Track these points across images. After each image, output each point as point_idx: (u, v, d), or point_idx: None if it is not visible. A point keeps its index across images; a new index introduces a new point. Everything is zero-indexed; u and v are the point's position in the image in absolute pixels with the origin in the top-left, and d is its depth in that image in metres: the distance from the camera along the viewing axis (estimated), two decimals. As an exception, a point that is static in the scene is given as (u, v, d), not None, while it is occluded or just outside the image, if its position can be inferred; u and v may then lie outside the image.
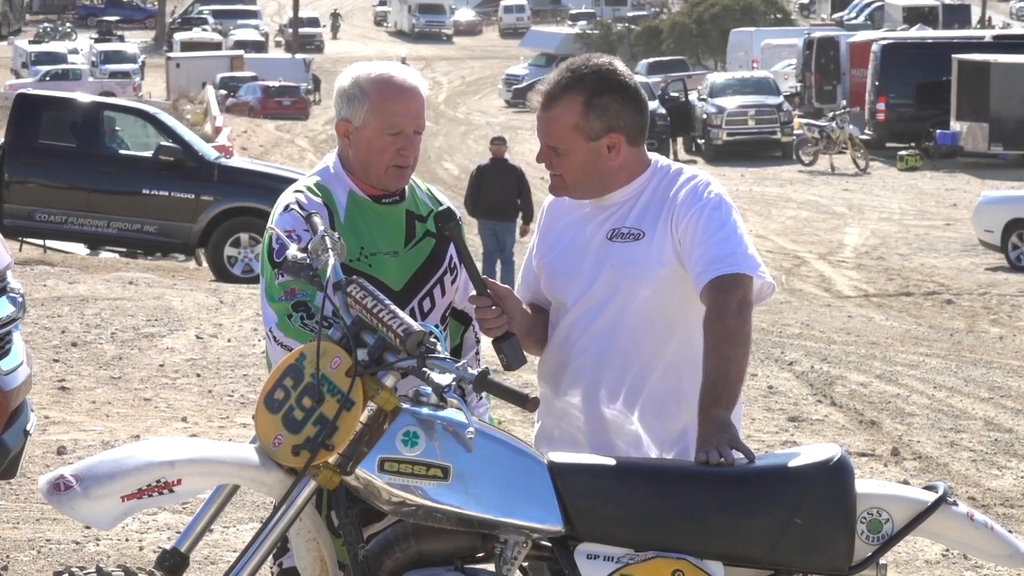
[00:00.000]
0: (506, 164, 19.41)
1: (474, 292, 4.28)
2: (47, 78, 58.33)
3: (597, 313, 4.27)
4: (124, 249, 20.50)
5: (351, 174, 4.43)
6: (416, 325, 3.81)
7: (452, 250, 4.50)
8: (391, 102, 4.34)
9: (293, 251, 4.04)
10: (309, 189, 4.40)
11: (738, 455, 3.97)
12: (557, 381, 4.36)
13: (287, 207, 4.35)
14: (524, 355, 4.26)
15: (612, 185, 4.31)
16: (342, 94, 4.41)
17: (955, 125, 37.71)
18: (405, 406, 3.84)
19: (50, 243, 20.85)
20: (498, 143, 19.88)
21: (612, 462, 4.00)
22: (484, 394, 4.50)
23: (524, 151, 42.50)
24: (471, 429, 3.77)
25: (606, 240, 4.29)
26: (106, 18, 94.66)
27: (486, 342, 4.63)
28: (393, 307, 3.87)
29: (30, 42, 75.15)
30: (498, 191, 18.94)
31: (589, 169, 4.27)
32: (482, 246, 19.47)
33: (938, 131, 37.76)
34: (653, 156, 4.38)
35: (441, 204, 4.57)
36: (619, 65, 4.31)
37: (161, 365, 11.57)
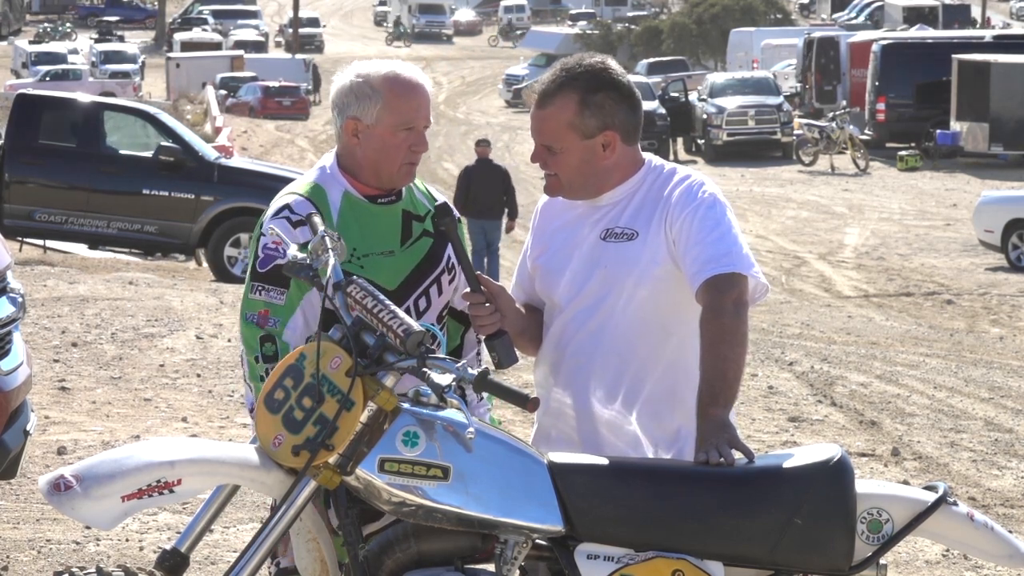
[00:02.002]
0: (492, 164, 20.14)
1: (468, 289, 4.30)
2: (47, 78, 58.32)
3: (591, 313, 4.27)
4: (127, 249, 20.53)
5: (348, 174, 4.43)
6: (416, 325, 3.81)
7: (450, 250, 4.50)
8: (404, 99, 4.36)
9: (293, 251, 4.05)
10: (303, 192, 4.40)
11: (738, 455, 3.97)
12: (552, 381, 4.35)
13: (278, 212, 4.36)
14: (516, 354, 4.27)
15: (607, 184, 4.30)
16: (348, 92, 4.40)
17: (955, 125, 37.70)
18: (405, 406, 3.84)
19: (50, 243, 20.84)
20: (483, 144, 20.63)
21: (612, 462, 4.00)
22: (485, 395, 4.50)
23: (524, 151, 42.46)
24: (471, 429, 3.77)
25: (599, 240, 4.29)
26: (106, 18, 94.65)
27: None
28: (393, 307, 3.87)
29: (30, 42, 75.14)
30: (486, 191, 19.54)
31: (584, 168, 4.27)
32: (470, 243, 19.61)
33: (938, 131, 37.75)
34: (647, 156, 4.38)
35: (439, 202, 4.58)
36: (612, 64, 4.31)
37: (161, 365, 11.57)
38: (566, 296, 4.32)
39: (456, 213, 4.47)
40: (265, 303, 4.33)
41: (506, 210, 19.89)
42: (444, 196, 4.64)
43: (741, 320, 4.10)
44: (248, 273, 4.39)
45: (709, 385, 4.06)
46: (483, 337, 4.32)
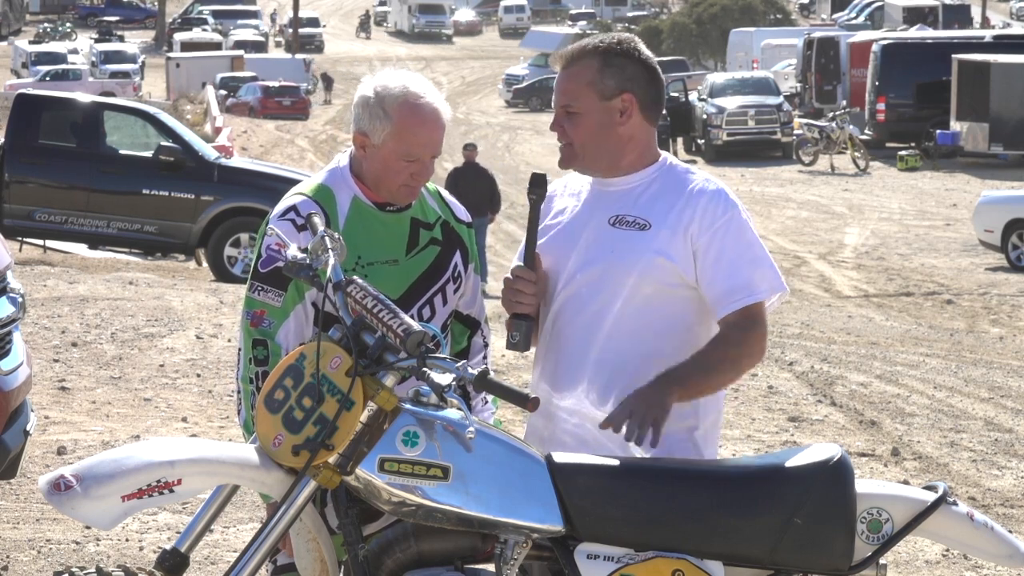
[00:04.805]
0: (478, 168, 21.46)
1: (520, 263, 4.25)
2: (47, 78, 58.36)
3: (588, 299, 4.22)
4: (127, 249, 20.55)
5: (359, 180, 4.40)
6: (416, 325, 3.81)
7: (457, 258, 4.47)
8: (413, 132, 4.29)
9: (293, 251, 4.04)
10: (311, 194, 4.39)
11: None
12: (548, 385, 4.31)
13: (284, 213, 4.34)
14: (531, 343, 4.26)
15: (621, 160, 4.26)
16: (364, 106, 4.33)
17: (955, 125, 37.71)
18: (405, 406, 3.83)
19: (50, 243, 20.85)
20: (470, 149, 22.05)
21: (612, 462, 4.00)
22: (490, 398, 4.49)
23: (524, 151, 42.47)
24: (471, 429, 3.77)
25: (608, 225, 4.25)
26: (106, 18, 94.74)
27: (492, 346, 4.63)
28: (393, 307, 3.87)
29: (30, 42, 75.19)
30: (473, 192, 20.53)
31: (600, 134, 4.23)
32: None
33: (938, 131, 37.76)
34: (664, 153, 4.36)
35: (450, 207, 4.56)
36: (638, 41, 4.33)
37: (161, 365, 11.57)
38: (564, 277, 4.28)
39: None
40: (262, 303, 4.32)
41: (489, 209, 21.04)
42: (456, 201, 4.62)
43: (756, 355, 4.19)
44: (251, 272, 4.38)
45: (688, 370, 4.09)
46: (510, 314, 4.28)
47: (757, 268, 4.19)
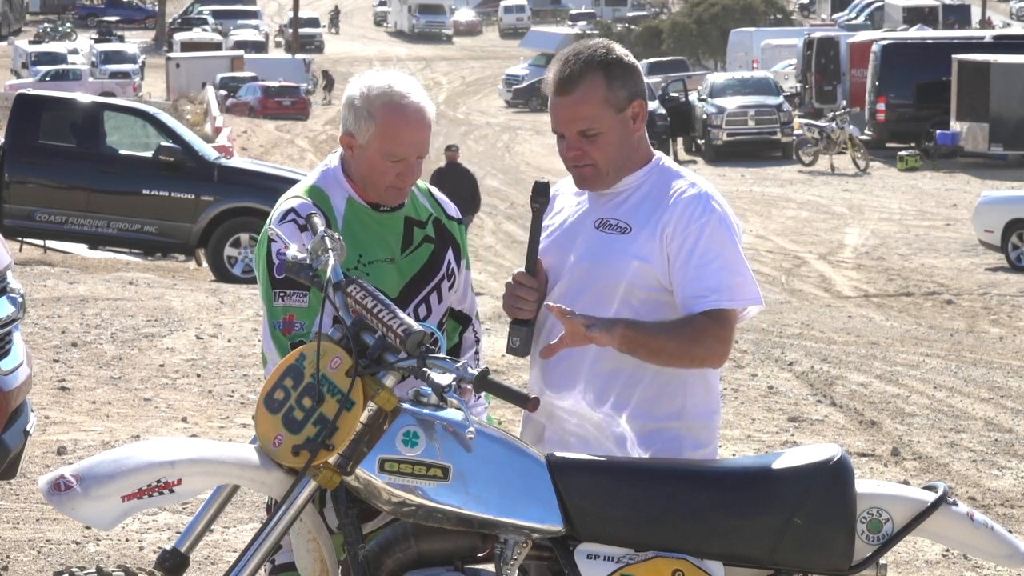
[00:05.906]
0: (461, 168, 22.12)
1: (521, 269, 4.24)
2: (47, 78, 58.33)
3: (579, 297, 4.21)
4: (127, 249, 20.55)
5: (351, 181, 4.41)
6: (416, 325, 3.81)
7: (450, 256, 4.48)
8: (397, 132, 4.30)
9: (293, 251, 4.04)
10: (306, 195, 4.38)
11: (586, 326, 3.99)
12: (544, 383, 4.30)
13: (284, 216, 4.34)
14: (531, 348, 4.26)
15: (632, 164, 4.27)
16: (350, 106, 4.35)
17: (955, 125, 37.71)
18: (405, 406, 3.83)
19: (50, 243, 20.85)
20: (452, 150, 22.87)
21: (612, 462, 4.00)
22: (483, 395, 4.49)
23: (524, 151, 42.45)
24: (471, 429, 3.77)
25: (593, 228, 4.26)
26: (106, 18, 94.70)
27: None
28: (393, 307, 3.87)
29: (30, 42, 75.15)
30: (455, 193, 20.38)
31: (623, 146, 4.23)
32: None
33: (938, 131, 37.75)
34: (657, 153, 4.35)
35: (441, 205, 4.57)
36: (613, 43, 4.31)
37: (161, 365, 11.57)
38: (562, 275, 4.27)
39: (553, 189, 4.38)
40: (288, 308, 4.29)
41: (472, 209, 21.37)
42: (447, 199, 4.62)
43: (714, 351, 4.12)
44: (265, 283, 4.34)
45: (643, 324, 4.06)
46: (511, 320, 4.28)
47: (731, 275, 4.14)
